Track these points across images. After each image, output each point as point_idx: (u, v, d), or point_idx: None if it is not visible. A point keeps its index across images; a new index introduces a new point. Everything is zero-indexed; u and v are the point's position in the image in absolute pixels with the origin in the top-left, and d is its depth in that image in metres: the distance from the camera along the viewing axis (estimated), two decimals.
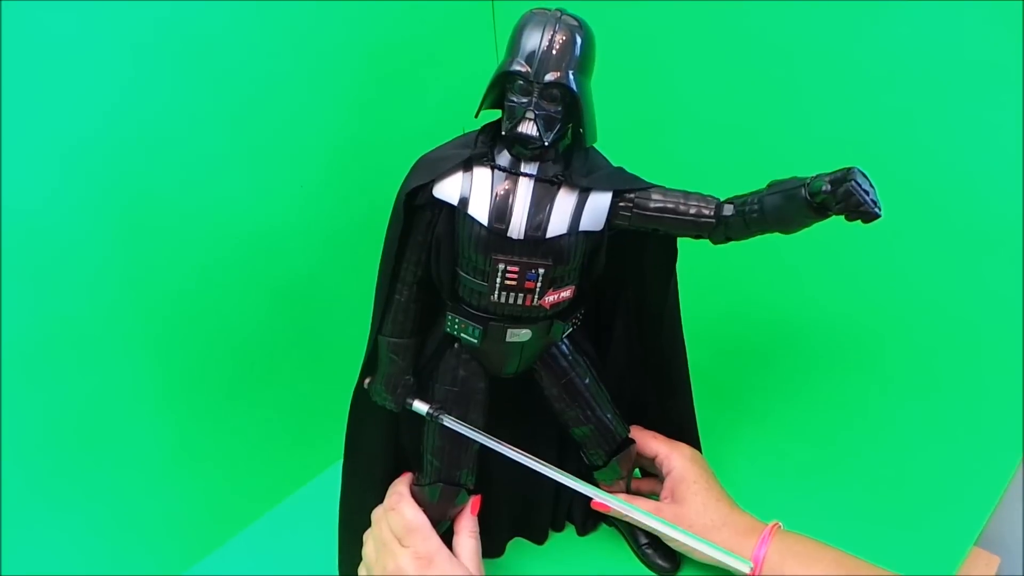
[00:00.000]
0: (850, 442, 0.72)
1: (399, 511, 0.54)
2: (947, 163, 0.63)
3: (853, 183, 0.40)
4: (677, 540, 0.57)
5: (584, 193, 0.47)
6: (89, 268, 0.53)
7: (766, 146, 0.70)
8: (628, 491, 0.63)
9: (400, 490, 0.56)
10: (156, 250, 0.56)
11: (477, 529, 0.56)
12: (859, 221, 0.41)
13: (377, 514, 0.56)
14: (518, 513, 0.64)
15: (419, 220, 0.49)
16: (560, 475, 0.52)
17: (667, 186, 0.49)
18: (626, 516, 0.57)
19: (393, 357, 0.52)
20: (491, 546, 0.62)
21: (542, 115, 0.43)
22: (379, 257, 0.51)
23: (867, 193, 0.40)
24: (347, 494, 0.59)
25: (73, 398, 0.54)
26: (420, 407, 0.54)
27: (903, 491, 0.66)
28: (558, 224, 0.46)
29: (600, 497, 0.55)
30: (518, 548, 0.65)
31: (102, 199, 0.52)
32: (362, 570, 0.56)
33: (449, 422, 0.53)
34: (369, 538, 0.56)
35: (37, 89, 0.47)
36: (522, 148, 0.45)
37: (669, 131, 0.76)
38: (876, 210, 0.40)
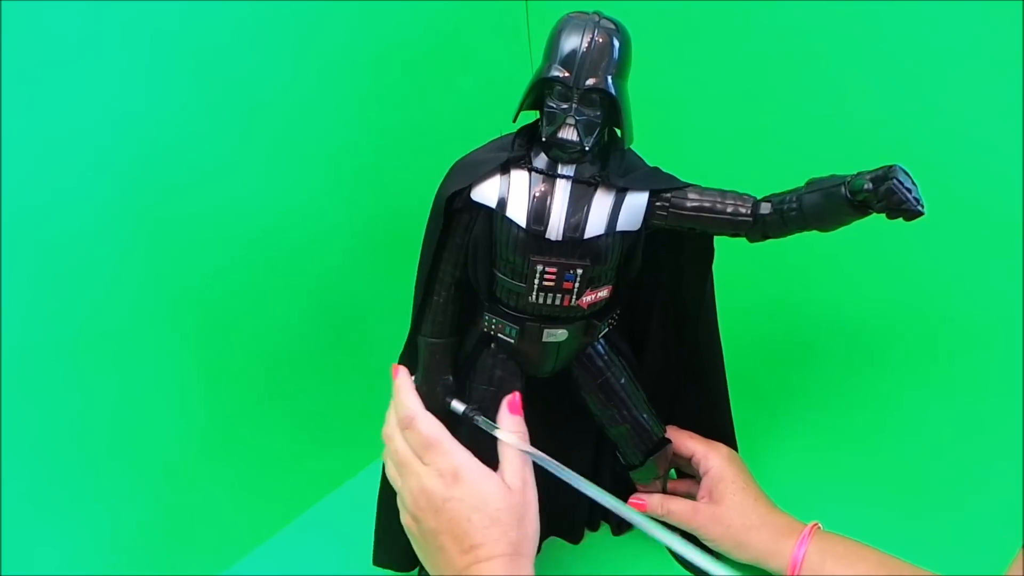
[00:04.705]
0: (890, 440, 0.70)
1: (414, 428, 0.50)
2: (985, 156, 0.61)
3: (895, 181, 0.40)
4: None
5: (621, 193, 0.47)
6: (121, 269, 0.53)
7: (797, 145, 0.70)
8: (664, 491, 0.63)
9: (407, 402, 0.51)
10: (191, 251, 0.57)
11: (524, 430, 0.50)
12: (901, 219, 0.41)
13: (388, 431, 0.52)
14: (553, 513, 0.64)
15: (457, 223, 0.49)
16: (591, 488, 0.48)
17: (703, 185, 0.49)
18: (651, 532, 0.48)
19: (432, 357, 0.53)
20: None
21: (582, 120, 0.44)
22: (415, 258, 0.51)
23: (909, 191, 0.40)
24: (386, 490, 0.59)
25: (109, 400, 0.55)
26: (457, 407, 0.54)
27: (948, 490, 0.65)
28: (596, 225, 0.47)
29: (628, 516, 0.47)
30: (553, 547, 0.65)
31: (133, 198, 0.53)
32: (400, 504, 0.51)
33: (482, 423, 0.52)
34: (387, 459, 0.52)
35: (68, 86, 0.48)
36: (560, 151, 0.46)
37: (704, 131, 0.75)
38: (919, 208, 0.40)
